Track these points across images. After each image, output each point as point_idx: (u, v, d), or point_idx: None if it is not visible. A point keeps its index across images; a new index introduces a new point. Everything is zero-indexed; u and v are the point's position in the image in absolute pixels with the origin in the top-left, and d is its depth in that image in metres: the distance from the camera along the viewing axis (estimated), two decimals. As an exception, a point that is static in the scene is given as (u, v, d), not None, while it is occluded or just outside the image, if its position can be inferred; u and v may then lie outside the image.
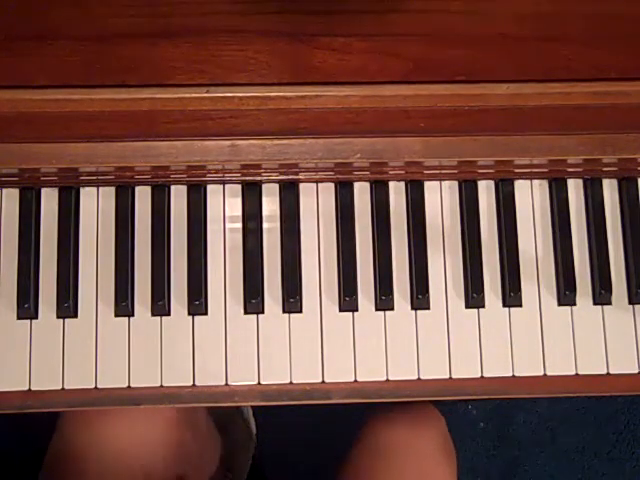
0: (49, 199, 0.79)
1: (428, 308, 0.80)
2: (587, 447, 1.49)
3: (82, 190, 0.80)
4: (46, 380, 0.77)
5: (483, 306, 0.80)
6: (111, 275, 0.78)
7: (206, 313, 0.79)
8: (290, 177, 0.80)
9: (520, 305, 0.80)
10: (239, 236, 0.80)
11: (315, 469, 1.34)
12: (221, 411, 1.28)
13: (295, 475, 1.42)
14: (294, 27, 0.74)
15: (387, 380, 0.78)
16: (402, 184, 0.81)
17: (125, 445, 0.84)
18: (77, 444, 0.84)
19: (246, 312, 0.79)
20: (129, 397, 0.77)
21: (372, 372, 0.78)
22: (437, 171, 0.80)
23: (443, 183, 0.81)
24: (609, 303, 0.80)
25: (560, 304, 0.80)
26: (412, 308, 0.80)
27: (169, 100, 0.73)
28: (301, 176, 0.80)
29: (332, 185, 0.81)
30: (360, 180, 0.81)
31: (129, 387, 0.77)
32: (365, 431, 0.92)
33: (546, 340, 0.80)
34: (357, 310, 0.79)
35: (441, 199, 0.81)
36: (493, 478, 1.48)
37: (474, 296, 0.79)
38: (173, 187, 0.80)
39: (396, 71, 0.74)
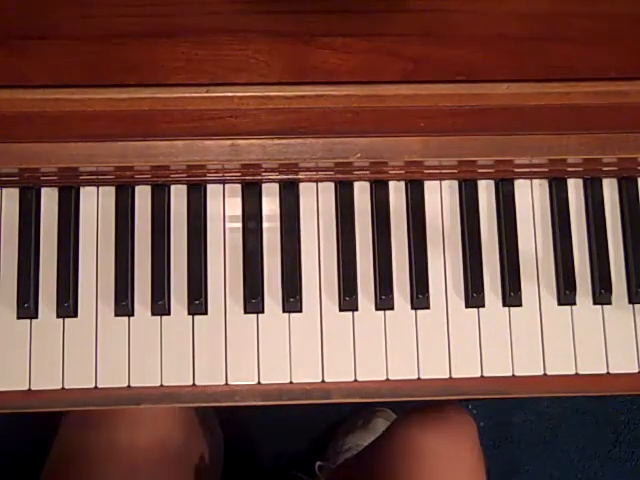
0: (49, 199, 0.79)
1: (428, 308, 0.80)
2: (587, 447, 1.49)
3: (82, 190, 0.80)
4: (46, 380, 0.77)
5: (483, 306, 0.80)
6: (111, 274, 0.78)
7: (206, 313, 0.79)
8: (290, 177, 0.80)
9: (520, 305, 0.80)
10: (239, 236, 0.80)
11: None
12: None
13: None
14: (294, 27, 0.74)
15: (387, 380, 0.78)
16: (402, 184, 0.81)
17: (130, 446, 0.84)
18: (80, 445, 0.84)
19: (246, 312, 0.79)
20: (129, 397, 0.77)
21: (372, 372, 0.78)
22: (437, 171, 0.80)
23: (443, 183, 0.81)
24: (609, 303, 0.81)
25: (560, 304, 0.80)
26: (412, 308, 0.80)
27: (169, 100, 0.73)
28: (301, 176, 0.80)
29: (332, 185, 0.81)
30: (360, 180, 0.81)
31: (129, 387, 0.77)
32: (397, 433, 0.92)
33: (546, 340, 0.80)
34: (357, 310, 0.79)
35: (441, 199, 0.81)
36: (493, 478, 1.48)
37: (474, 296, 0.79)
38: (173, 187, 0.80)
39: (396, 71, 0.74)
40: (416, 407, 0.91)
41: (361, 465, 1.00)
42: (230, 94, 0.73)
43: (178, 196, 0.80)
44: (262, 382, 0.78)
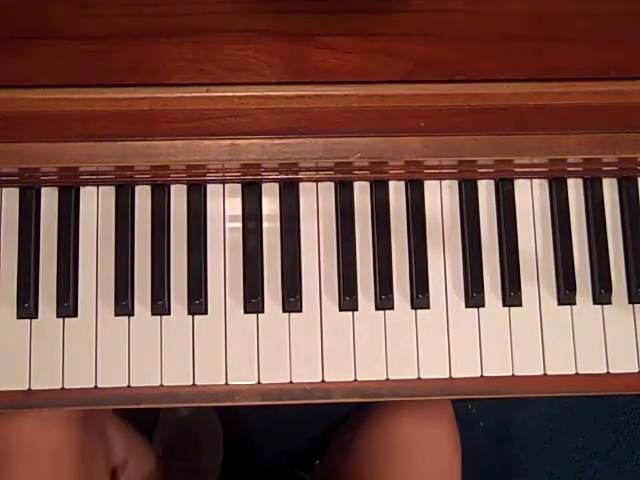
0: (49, 198, 0.79)
1: (428, 307, 0.80)
2: (587, 447, 1.49)
3: (82, 189, 0.80)
4: (46, 379, 0.77)
5: (483, 305, 0.80)
6: (111, 274, 0.78)
7: (206, 312, 0.79)
8: (290, 176, 0.80)
9: (520, 304, 0.80)
10: (239, 235, 0.80)
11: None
12: (184, 413, 1.28)
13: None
14: (294, 26, 0.74)
15: (387, 379, 0.78)
16: (402, 183, 0.81)
17: (36, 443, 0.83)
18: None
19: (246, 311, 0.79)
20: (129, 396, 0.77)
21: (372, 371, 0.78)
22: (437, 170, 0.80)
23: (443, 182, 0.81)
24: (609, 302, 0.81)
25: (560, 303, 0.80)
26: (412, 307, 0.80)
27: (169, 99, 0.73)
28: (301, 175, 0.80)
29: (332, 184, 0.81)
30: (360, 179, 0.81)
31: (129, 386, 0.77)
32: (375, 421, 0.92)
33: (546, 339, 0.80)
34: (357, 309, 0.79)
35: (441, 198, 0.81)
36: (493, 477, 1.49)
37: (474, 295, 0.79)
38: (173, 186, 0.80)
39: (396, 70, 0.74)
40: None
41: (345, 453, 1.00)
42: (230, 94, 0.73)
43: (178, 196, 0.80)
44: (262, 382, 0.78)
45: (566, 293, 0.80)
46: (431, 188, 0.81)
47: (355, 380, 0.78)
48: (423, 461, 0.88)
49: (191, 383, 0.77)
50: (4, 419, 0.82)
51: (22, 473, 0.82)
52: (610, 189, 0.82)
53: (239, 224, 0.80)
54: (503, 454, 1.48)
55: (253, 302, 0.78)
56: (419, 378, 0.79)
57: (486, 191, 0.82)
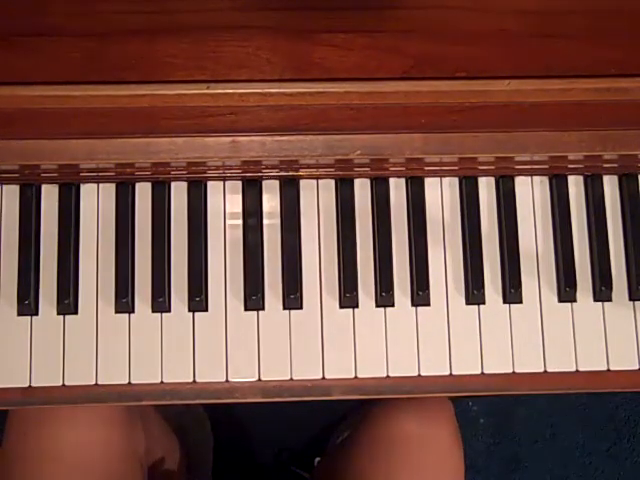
0: (49, 196, 0.79)
1: (428, 304, 0.80)
2: (587, 444, 1.49)
3: (82, 187, 0.80)
4: (46, 376, 0.77)
5: (483, 302, 0.80)
6: (111, 272, 0.78)
7: (206, 310, 0.79)
8: (290, 173, 0.80)
9: (520, 301, 0.80)
10: (239, 232, 0.80)
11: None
12: (173, 414, 1.29)
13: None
14: (295, 23, 0.74)
15: (387, 376, 0.78)
16: (402, 180, 0.81)
17: (73, 444, 0.83)
18: (23, 444, 0.83)
19: (246, 308, 0.79)
20: (129, 393, 0.77)
21: (372, 369, 0.78)
22: (438, 167, 0.80)
23: (443, 179, 0.81)
24: (609, 299, 0.81)
25: (560, 300, 0.80)
26: (412, 304, 0.80)
27: (169, 96, 0.73)
28: (301, 172, 0.80)
29: (332, 181, 0.81)
30: (360, 176, 0.81)
31: (129, 383, 0.77)
32: (376, 420, 0.92)
33: (546, 336, 0.80)
34: (357, 306, 0.79)
35: (441, 195, 0.81)
36: (493, 474, 1.49)
37: (474, 292, 0.79)
38: (173, 183, 0.80)
39: (397, 67, 0.74)
40: None
41: (346, 452, 1.00)
42: (231, 91, 0.73)
43: (178, 193, 0.80)
44: (262, 379, 0.78)
45: (566, 290, 0.80)
46: (431, 185, 0.81)
47: (355, 377, 0.78)
48: (425, 460, 0.88)
49: (191, 380, 0.77)
50: (40, 420, 0.82)
51: (60, 474, 0.82)
52: (611, 186, 0.82)
53: (239, 221, 0.80)
54: (503, 451, 1.49)
55: (253, 299, 0.78)
56: (419, 375, 0.79)
57: (486, 188, 0.82)
